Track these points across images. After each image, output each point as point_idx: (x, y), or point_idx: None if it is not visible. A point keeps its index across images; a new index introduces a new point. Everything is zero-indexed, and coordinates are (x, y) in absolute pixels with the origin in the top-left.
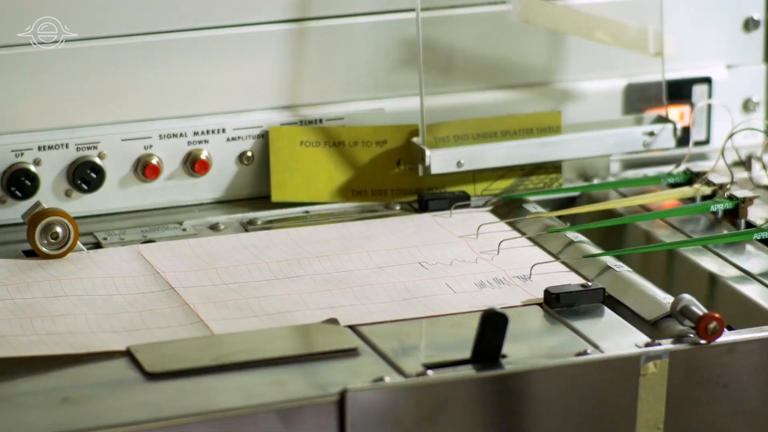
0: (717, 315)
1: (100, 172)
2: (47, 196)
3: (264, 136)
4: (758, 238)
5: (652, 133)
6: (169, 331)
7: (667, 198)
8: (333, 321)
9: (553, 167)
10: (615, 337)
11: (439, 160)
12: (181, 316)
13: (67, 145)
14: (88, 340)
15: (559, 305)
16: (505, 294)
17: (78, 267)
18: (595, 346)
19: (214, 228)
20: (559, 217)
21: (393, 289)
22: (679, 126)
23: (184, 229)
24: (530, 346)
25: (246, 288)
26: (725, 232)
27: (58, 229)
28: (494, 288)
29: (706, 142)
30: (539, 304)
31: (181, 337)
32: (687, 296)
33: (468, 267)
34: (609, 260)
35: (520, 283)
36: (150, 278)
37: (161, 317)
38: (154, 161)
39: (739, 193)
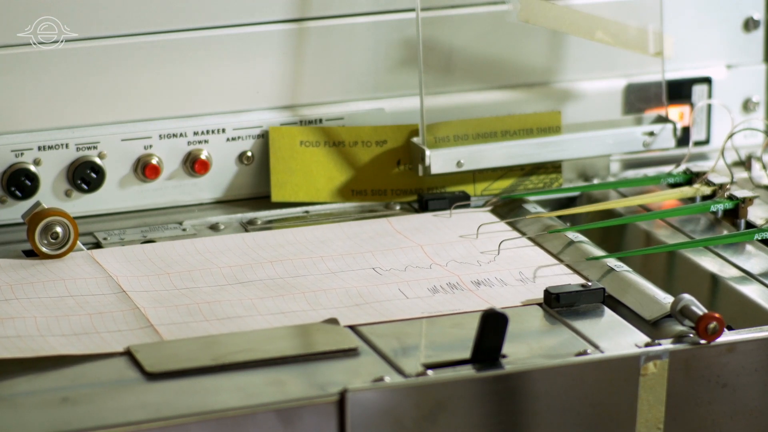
0: (717, 315)
1: (100, 172)
2: (47, 196)
3: (264, 136)
4: (759, 238)
5: (652, 133)
6: (119, 335)
7: (667, 198)
8: (333, 321)
9: (553, 167)
10: (615, 337)
11: (439, 160)
12: (131, 319)
13: (67, 145)
14: (36, 343)
15: (558, 305)
16: (457, 299)
17: (30, 273)
18: (595, 346)
19: (214, 228)
20: (559, 217)
21: (345, 294)
22: (679, 126)
23: (184, 229)
24: (530, 346)
25: (197, 293)
26: (725, 231)
27: (58, 229)
28: (447, 293)
29: (706, 142)
30: (539, 304)
31: (131, 341)
32: (687, 296)
33: (422, 272)
34: (609, 260)
35: (473, 288)
36: (102, 282)
37: (111, 320)
38: (154, 161)
39: (739, 193)
